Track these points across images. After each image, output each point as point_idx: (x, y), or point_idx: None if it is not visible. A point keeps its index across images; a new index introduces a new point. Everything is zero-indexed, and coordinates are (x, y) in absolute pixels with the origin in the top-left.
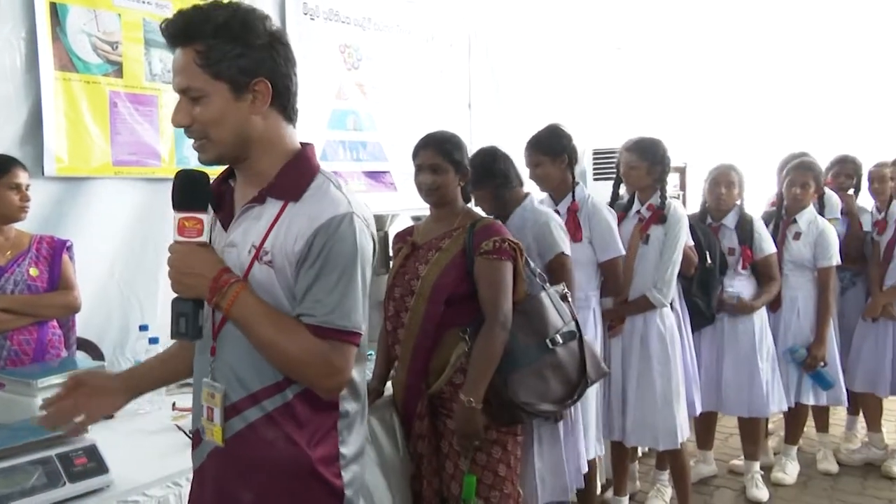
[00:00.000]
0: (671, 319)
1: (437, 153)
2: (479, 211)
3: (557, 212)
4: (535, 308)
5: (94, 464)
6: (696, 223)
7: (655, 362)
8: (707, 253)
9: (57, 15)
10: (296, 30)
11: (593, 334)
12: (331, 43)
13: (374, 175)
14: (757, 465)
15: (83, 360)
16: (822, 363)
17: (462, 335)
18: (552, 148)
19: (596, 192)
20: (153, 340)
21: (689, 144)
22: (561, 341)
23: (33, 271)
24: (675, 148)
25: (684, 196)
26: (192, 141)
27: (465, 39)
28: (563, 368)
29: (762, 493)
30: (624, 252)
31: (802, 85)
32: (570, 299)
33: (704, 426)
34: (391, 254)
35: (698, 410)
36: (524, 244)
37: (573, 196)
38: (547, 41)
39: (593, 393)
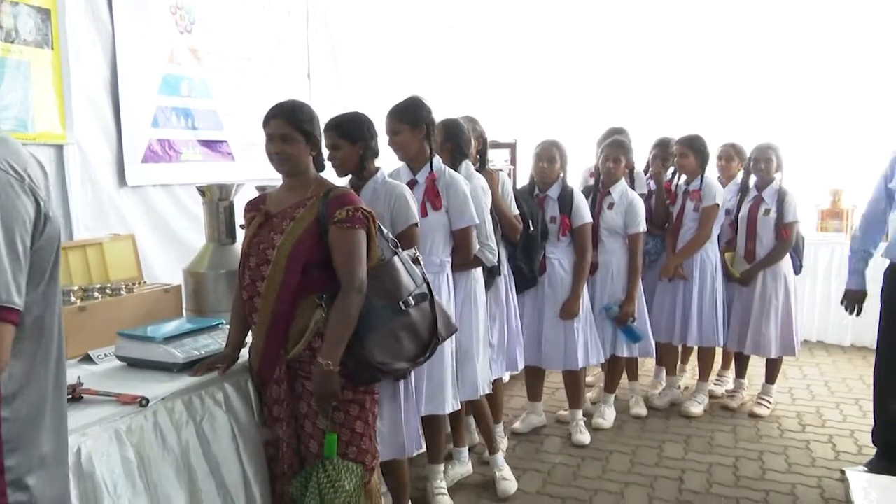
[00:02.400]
0: (477, 279)
1: (287, 123)
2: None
3: (416, 181)
4: (388, 272)
5: None
6: (523, 194)
7: (457, 318)
8: (530, 221)
9: None
10: None
11: (446, 296)
12: (160, 3)
13: (209, 144)
14: (580, 414)
15: None
16: (631, 319)
17: (319, 301)
18: (413, 117)
19: None
20: None
21: (519, 121)
22: (413, 303)
23: None
24: (506, 125)
25: (515, 170)
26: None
27: (304, 8)
28: (415, 328)
29: (585, 437)
30: (478, 221)
31: (623, 64)
32: (421, 262)
33: (532, 380)
34: (239, 223)
35: (521, 366)
36: (377, 214)
37: (431, 166)
38: (383, 14)
39: (448, 350)
